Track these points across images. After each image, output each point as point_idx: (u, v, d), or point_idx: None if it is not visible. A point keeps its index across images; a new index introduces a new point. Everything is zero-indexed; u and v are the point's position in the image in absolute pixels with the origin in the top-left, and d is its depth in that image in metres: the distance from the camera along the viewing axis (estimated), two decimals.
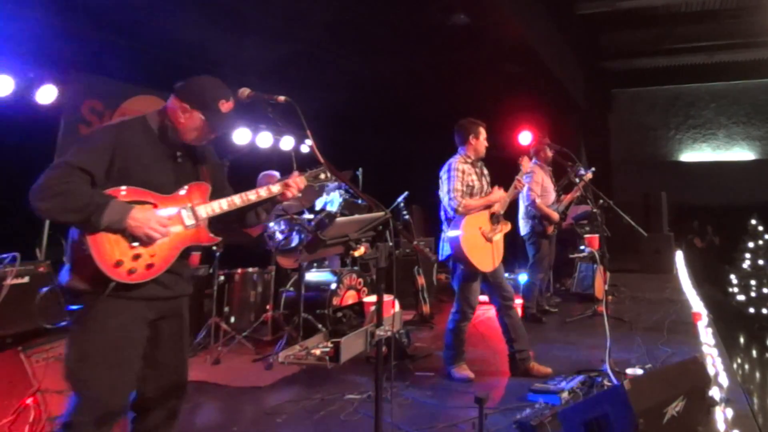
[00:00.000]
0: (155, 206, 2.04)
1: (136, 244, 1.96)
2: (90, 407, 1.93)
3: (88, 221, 1.87)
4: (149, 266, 1.99)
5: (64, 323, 3.03)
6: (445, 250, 4.10)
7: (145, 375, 2.11)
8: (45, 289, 3.31)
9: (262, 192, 2.25)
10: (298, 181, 2.32)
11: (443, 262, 4.23)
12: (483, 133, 4.22)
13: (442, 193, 4.11)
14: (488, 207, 4.09)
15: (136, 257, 1.96)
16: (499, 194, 4.12)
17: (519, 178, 4.24)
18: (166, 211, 2.06)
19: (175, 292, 2.15)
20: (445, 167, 4.14)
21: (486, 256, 4.01)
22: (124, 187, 1.99)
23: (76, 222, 1.90)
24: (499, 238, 4.12)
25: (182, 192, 2.13)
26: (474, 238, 3.96)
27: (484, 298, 4.37)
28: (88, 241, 1.90)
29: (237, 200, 2.22)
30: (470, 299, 4.07)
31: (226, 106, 2.17)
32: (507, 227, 4.20)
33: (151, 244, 1.99)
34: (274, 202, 2.34)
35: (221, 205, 2.18)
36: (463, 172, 4.06)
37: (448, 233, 4.01)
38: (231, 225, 2.35)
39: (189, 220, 2.11)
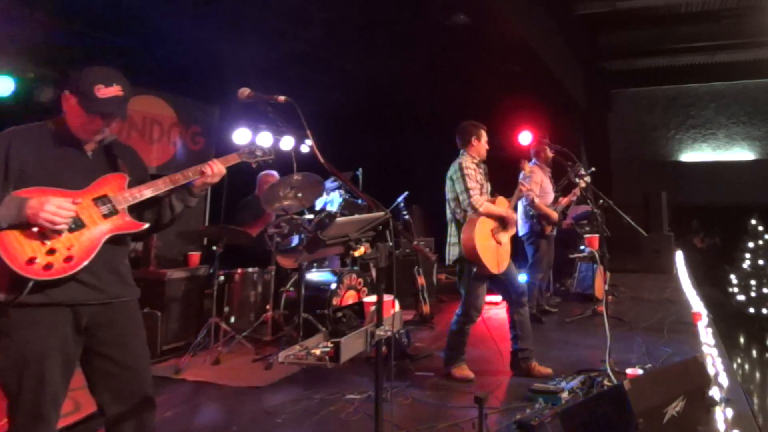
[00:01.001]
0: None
1: (48, 242, 1.89)
2: (17, 410, 1.92)
3: None
4: (68, 259, 1.91)
5: None
6: (453, 252, 4.09)
7: (98, 386, 2.07)
8: None
9: (180, 177, 2.17)
10: (212, 162, 2.24)
11: (449, 264, 4.21)
12: (484, 135, 4.25)
13: (455, 194, 4.08)
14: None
15: (51, 252, 1.89)
16: (513, 215, 4.22)
17: (522, 182, 4.34)
18: (78, 200, 1.98)
19: (108, 296, 2.04)
20: (455, 167, 4.11)
21: (495, 257, 4.04)
22: (28, 189, 1.92)
23: None
24: (506, 240, 4.17)
25: (95, 184, 2.06)
26: (486, 239, 3.99)
27: (490, 298, 4.40)
28: None
29: (159, 184, 2.14)
30: (477, 302, 4.07)
31: (103, 91, 2.01)
32: (513, 230, 4.26)
33: (59, 234, 1.91)
34: (190, 192, 2.26)
35: (141, 190, 2.11)
36: (474, 170, 4.09)
37: (462, 234, 3.99)
38: (155, 223, 2.24)
39: (105, 209, 2.03)
